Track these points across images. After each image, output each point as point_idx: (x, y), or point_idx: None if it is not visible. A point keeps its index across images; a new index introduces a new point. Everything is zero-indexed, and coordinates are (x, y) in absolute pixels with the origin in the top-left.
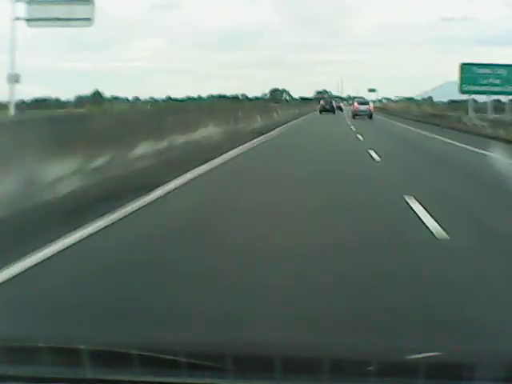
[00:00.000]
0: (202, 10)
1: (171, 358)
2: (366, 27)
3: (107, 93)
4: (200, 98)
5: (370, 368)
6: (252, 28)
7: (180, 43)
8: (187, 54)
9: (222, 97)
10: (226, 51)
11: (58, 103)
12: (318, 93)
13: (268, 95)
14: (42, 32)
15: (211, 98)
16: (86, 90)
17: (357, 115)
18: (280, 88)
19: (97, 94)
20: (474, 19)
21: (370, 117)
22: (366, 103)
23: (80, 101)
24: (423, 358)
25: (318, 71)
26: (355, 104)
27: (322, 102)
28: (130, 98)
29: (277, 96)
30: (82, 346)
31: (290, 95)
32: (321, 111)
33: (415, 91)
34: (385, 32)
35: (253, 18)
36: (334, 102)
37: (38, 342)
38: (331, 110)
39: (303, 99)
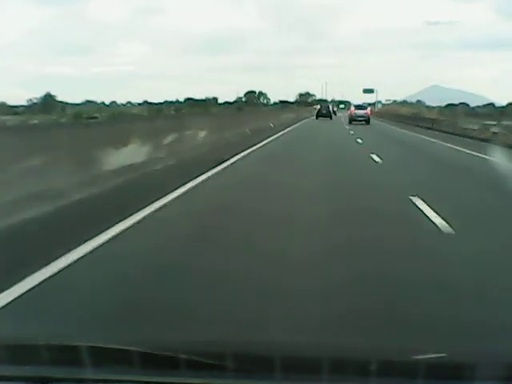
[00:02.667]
0: (186, 15)
1: (171, 357)
2: (350, 31)
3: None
4: (178, 101)
5: (369, 368)
6: (236, 33)
7: (163, 48)
8: (170, 58)
9: (190, 100)
10: (209, 56)
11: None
12: (301, 95)
13: (243, 98)
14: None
15: (187, 100)
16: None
17: (354, 120)
18: (256, 90)
19: (48, 98)
20: (459, 23)
21: (368, 122)
22: (364, 108)
23: (32, 105)
24: (423, 358)
25: (301, 75)
26: (352, 108)
27: (318, 106)
28: (107, 102)
29: (252, 99)
30: (82, 346)
31: (267, 98)
32: (317, 116)
33: (401, 95)
34: (369, 36)
35: (237, 22)
36: (330, 107)
37: (38, 341)
38: (328, 115)
39: (283, 103)
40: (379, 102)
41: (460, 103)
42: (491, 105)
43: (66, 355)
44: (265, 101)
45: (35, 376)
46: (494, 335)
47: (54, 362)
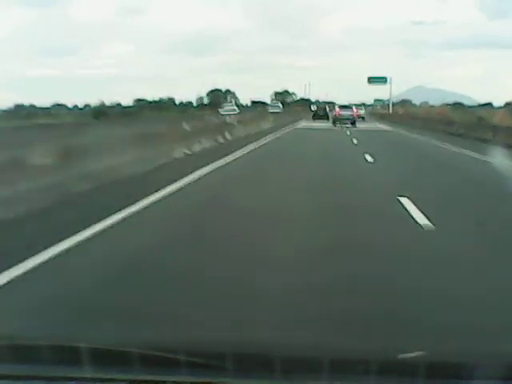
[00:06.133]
0: (168, 14)
1: (171, 356)
2: (334, 31)
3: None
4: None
5: (369, 368)
6: (219, 33)
7: (143, 49)
8: (149, 59)
9: (141, 101)
10: (190, 56)
11: None
12: (278, 94)
13: (205, 99)
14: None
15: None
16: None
17: (338, 122)
18: (223, 89)
19: None
20: (444, 23)
21: (354, 123)
22: (350, 108)
23: None
24: (423, 358)
25: (283, 74)
26: (336, 109)
27: (314, 107)
28: (80, 106)
29: (217, 99)
30: (82, 345)
31: (236, 98)
32: (314, 118)
33: (385, 95)
34: (354, 36)
35: (220, 23)
36: (327, 108)
37: (38, 340)
38: (325, 117)
39: (257, 103)
40: (380, 100)
41: (454, 103)
42: (489, 104)
43: (66, 355)
44: (232, 101)
45: (35, 376)
46: (494, 335)
47: (54, 361)
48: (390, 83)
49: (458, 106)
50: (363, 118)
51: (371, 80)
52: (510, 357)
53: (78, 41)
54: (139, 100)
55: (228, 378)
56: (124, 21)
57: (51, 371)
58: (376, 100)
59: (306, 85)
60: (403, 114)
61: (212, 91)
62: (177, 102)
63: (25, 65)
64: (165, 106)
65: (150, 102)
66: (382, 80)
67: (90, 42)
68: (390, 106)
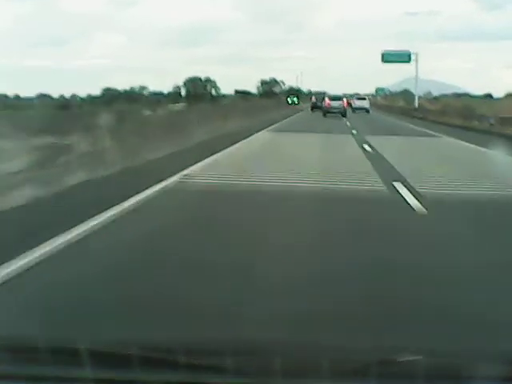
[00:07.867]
0: (161, 6)
1: (170, 357)
2: (328, 23)
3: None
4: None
5: (369, 368)
6: (211, 25)
7: (135, 41)
8: (139, 51)
9: (109, 90)
10: (183, 48)
11: None
12: (265, 84)
13: (182, 89)
14: None
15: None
16: None
17: (329, 113)
18: (202, 77)
19: None
20: (439, 14)
21: (344, 115)
22: (340, 99)
23: None
24: (423, 358)
25: (277, 67)
26: (327, 100)
27: (313, 98)
28: (66, 95)
29: (196, 89)
30: (81, 346)
31: (216, 87)
32: (312, 108)
33: (373, 87)
34: (348, 27)
35: (213, 14)
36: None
37: (38, 341)
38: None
39: (241, 94)
40: (382, 89)
41: (460, 95)
42: (489, 96)
43: (66, 355)
44: (212, 90)
45: (35, 376)
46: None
47: (54, 362)
48: (416, 61)
49: (463, 97)
50: (368, 111)
51: (386, 57)
52: (510, 357)
53: (66, 32)
54: (108, 89)
55: (227, 378)
56: (113, 11)
57: (50, 372)
58: (378, 89)
59: (298, 75)
60: (445, 108)
61: (190, 80)
62: (151, 91)
63: (9, 55)
64: (135, 96)
65: (121, 93)
66: (403, 56)
67: (79, 33)
68: (416, 98)
